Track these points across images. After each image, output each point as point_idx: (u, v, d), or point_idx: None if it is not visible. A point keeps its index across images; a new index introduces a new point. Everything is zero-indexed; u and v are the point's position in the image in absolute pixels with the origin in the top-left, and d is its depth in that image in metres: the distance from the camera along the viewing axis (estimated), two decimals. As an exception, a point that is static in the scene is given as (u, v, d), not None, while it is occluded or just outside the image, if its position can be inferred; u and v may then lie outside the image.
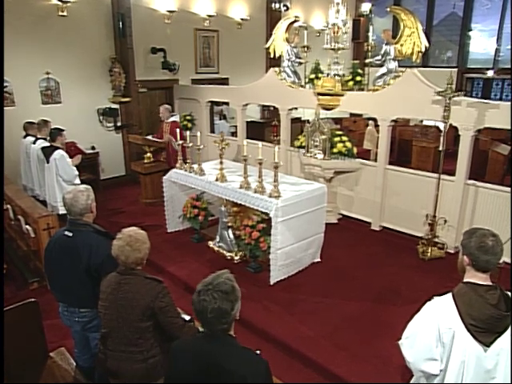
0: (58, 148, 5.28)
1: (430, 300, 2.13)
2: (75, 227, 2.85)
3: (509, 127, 4.68)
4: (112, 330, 2.51)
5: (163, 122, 7.39)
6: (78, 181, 5.31)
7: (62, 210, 5.29)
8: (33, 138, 5.79)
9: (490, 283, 2.02)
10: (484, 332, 1.93)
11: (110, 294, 2.49)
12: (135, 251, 2.45)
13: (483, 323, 1.92)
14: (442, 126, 5.06)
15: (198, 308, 1.86)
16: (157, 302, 2.44)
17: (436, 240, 5.32)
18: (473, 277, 2.03)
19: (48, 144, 5.44)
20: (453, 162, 5.35)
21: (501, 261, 2.03)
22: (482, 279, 2.02)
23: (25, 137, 5.99)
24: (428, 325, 2.02)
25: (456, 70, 11.68)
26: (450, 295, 2.05)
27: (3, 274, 4.61)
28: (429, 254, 5.23)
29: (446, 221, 5.25)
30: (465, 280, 2.07)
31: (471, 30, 12.04)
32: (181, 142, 5.59)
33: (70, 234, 2.83)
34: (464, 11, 12.00)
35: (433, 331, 1.99)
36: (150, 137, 7.40)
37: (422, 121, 9.01)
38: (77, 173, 5.41)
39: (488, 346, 1.94)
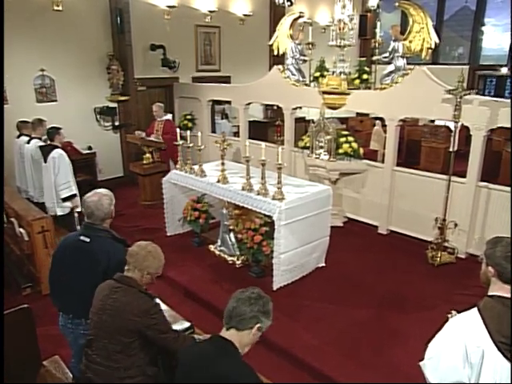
0: (57, 147, 5.14)
1: (447, 311, 2.02)
2: (93, 232, 2.72)
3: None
4: (95, 339, 2.41)
5: (155, 120, 7.34)
6: (67, 193, 5.05)
7: (60, 212, 5.19)
8: (27, 138, 5.65)
9: None
10: None
11: (101, 300, 2.40)
12: (148, 253, 2.49)
13: None
14: (452, 125, 5.01)
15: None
16: (145, 318, 2.34)
17: (446, 244, 5.20)
18: (499, 289, 1.89)
19: (44, 143, 5.32)
20: (464, 163, 5.23)
21: None
22: (509, 292, 1.87)
23: (18, 136, 5.84)
24: (454, 343, 1.84)
25: (467, 67, 11.35)
26: (475, 310, 1.89)
27: (3, 275, 4.48)
28: (438, 259, 5.12)
29: (456, 224, 5.14)
30: (490, 293, 1.92)
31: (484, 24, 11.70)
32: (181, 142, 5.50)
33: (88, 240, 2.70)
34: (477, 5, 11.64)
35: (459, 350, 1.82)
36: (139, 132, 7.28)
37: (433, 121, 8.82)
38: (71, 180, 5.13)
39: None
